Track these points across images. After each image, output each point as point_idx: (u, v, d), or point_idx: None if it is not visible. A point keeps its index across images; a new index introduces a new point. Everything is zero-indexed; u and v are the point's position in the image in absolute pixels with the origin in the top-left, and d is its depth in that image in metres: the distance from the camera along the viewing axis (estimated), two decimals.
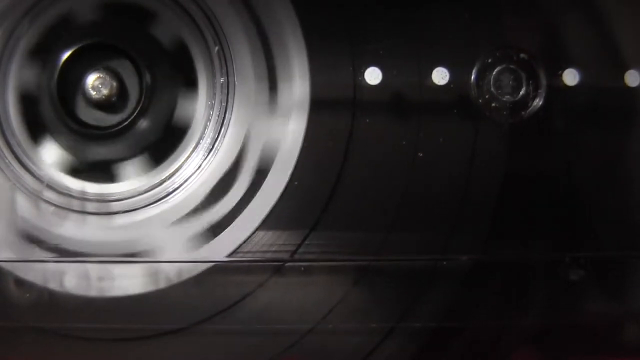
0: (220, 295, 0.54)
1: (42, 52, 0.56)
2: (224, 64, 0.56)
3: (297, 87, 0.55)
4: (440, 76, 0.55)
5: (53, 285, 0.54)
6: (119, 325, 0.54)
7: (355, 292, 0.55)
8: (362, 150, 0.55)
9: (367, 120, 0.55)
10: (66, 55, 0.56)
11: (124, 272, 0.54)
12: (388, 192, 0.55)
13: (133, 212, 0.55)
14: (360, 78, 0.55)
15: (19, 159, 0.56)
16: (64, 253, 0.54)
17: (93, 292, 0.54)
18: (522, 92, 0.55)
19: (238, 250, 0.55)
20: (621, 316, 0.57)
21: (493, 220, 0.56)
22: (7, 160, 0.56)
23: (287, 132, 0.55)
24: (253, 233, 0.55)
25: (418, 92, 0.55)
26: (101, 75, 0.56)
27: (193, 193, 0.55)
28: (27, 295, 0.54)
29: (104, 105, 0.56)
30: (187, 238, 0.55)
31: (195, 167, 0.56)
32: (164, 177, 0.56)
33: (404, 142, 0.55)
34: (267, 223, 0.55)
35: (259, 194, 0.55)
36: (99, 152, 0.57)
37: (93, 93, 0.56)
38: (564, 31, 0.56)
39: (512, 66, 0.55)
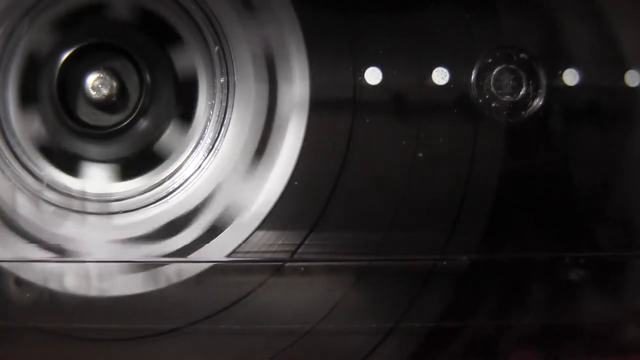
0: (220, 295, 0.54)
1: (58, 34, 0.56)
2: (224, 64, 0.56)
3: (297, 87, 0.55)
4: (440, 76, 0.55)
5: (53, 285, 0.54)
6: (119, 325, 0.54)
7: (355, 292, 0.55)
8: (362, 150, 0.55)
9: (367, 120, 0.55)
10: (66, 55, 0.56)
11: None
12: (388, 192, 0.55)
13: (133, 212, 0.55)
14: (360, 78, 0.55)
15: (19, 158, 0.56)
16: (64, 253, 0.54)
17: (93, 292, 0.54)
18: (522, 92, 0.55)
19: (238, 250, 0.55)
20: (621, 316, 0.57)
21: (493, 220, 0.56)
22: (7, 160, 0.56)
23: (287, 133, 0.55)
24: (253, 233, 0.55)
25: (418, 92, 0.55)
26: (101, 75, 0.56)
27: (193, 193, 0.55)
28: (27, 295, 0.54)
29: (104, 105, 0.56)
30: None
31: (195, 167, 0.56)
32: (164, 177, 0.56)
33: (404, 142, 0.55)
34: (267, 223, 0.55)
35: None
36: (100, 152, 0.57)
37: (93, 93, 0.56)
38: (564, 31, 0.56)
39: (512, 66, 0.55)
